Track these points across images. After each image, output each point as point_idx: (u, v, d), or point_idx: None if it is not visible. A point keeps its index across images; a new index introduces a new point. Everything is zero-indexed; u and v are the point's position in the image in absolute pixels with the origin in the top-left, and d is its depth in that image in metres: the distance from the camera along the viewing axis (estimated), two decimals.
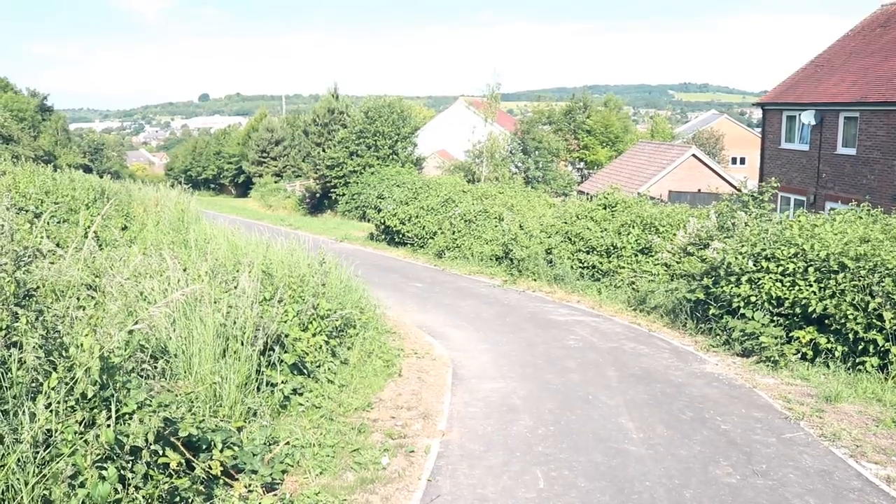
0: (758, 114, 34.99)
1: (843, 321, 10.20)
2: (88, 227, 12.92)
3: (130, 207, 16.49)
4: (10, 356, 4.98)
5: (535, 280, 18.09)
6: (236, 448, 6.12)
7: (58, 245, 9.97)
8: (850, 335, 10.13)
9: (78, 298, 7.00)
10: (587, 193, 34.56)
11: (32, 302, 5.51)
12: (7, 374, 4.91)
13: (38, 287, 6.04)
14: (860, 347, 10.15)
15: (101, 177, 19.37)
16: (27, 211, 13.17)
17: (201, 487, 5.48)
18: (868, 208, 12.91)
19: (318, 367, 9.04)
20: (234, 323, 7.76)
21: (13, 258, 5.46)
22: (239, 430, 6.81)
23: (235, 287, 8.60)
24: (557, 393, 9.62)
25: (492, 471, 7.12)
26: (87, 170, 39.37)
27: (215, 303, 8.00)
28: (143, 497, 4.95)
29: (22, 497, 4.45)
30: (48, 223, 12.64)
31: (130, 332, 5.63)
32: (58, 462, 4.60)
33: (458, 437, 8.02)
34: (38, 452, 4.60)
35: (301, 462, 6.83)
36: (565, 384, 10.02)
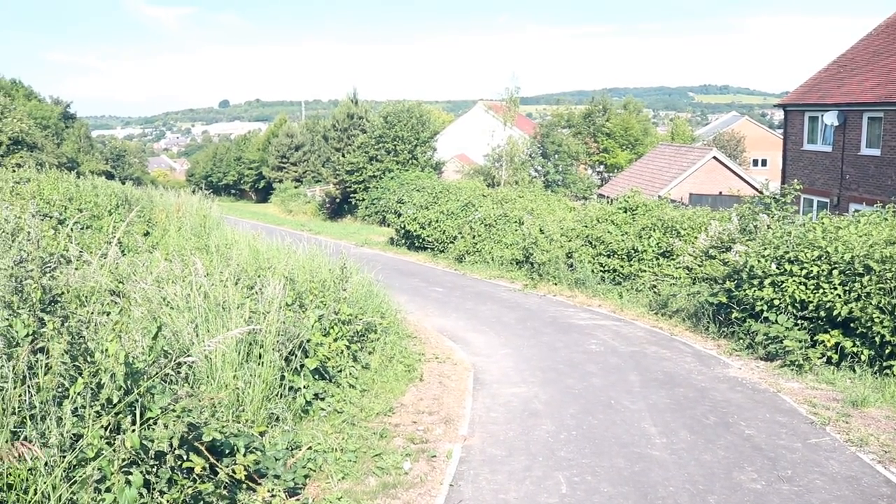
0: (779, 115, 34.74)
1: (868, 324, 10.08)
2: (111, 233, 13.03)
3: (152, 213, 16.61)
4: (37, 361, 5.03)
5: (555, 284, 18.05)
6: (259, 453, 6.14)
7: (80, 251, 10.06)
8: (877, 339, 10.01)
9: (102, 304, 7.06)
10: (607, 197, 34.44)
11: (58, 308, 5.56)
12: (34, 379, 4.95)
13: (62, 293, 6.09)
14: (887, 351, 10.03)
15: (123, 183, 19.56)
16: (51, 217, 13.29)
17: (225, 492, 5.50)
18: (893, 210, 12.75)
19: (340, 371, 9.07)
20: (259, 328, 7.79)
21: (39, 265, 5.51)
22: (261, 434, 6.84)
23: (257, 293, 8.64)
24: (579, 397, 9.58)
25: (514, 476, 7.09)
26: (110, 176, 39.76)
27: (238, 308, 8.04)
28: (168, 501, 4.98)
29: (50, 502, 4.49)
30: (72, 229, 12.76)
31: (155, 337, 5.66)
32: (85, 467, 4.64)
33: (480, 442, 8.01)
34: (65, 457, 4.63)
35: (323, 467, 6.84)
36: (587, 389, 9.98)
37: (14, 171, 18.67)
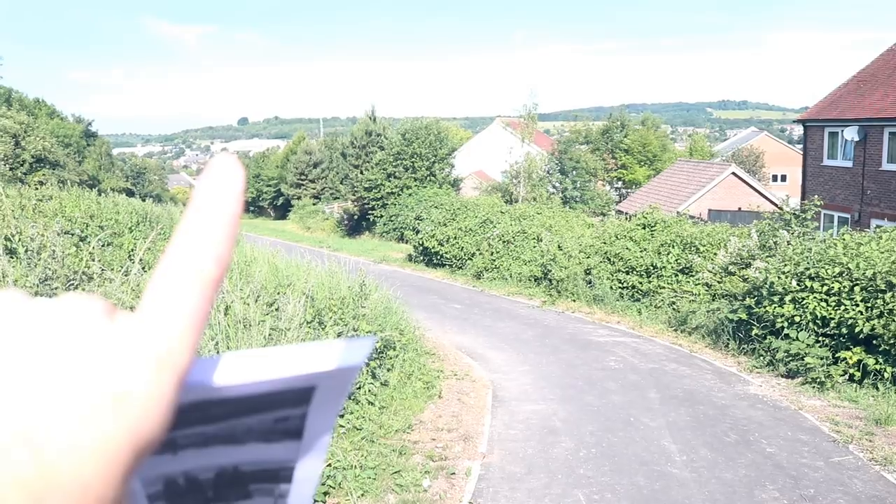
0: (799, 130, 34.55)
1: (892, 341, 9.99)
2: (132, 250, 13.15)
3: (172, 230, 16.73)
4: None
5: (574, 301, 18.00)
6: None
7: (102, 269, 10.16)
8: None
9: None
10: (626, 213, 34.34)
11: None
12: None
13: None
14: None
15: (144, 200, 19.69)
16: (73, 234, 13.42)
17: None
18: None
19: (359, 388, 9.08)
20: (277, 345, 7.83)
21: (64, 282, 5.58)
22: None
23: (277, 309, 8.68)
24: (598, 415, 9.54)
25: (533, 493, 7.07)
26: (130, 193, 40.06)
27: (258, 325, 8.08)
28: None
29: None
30: (94, 247, 12.89)
31: None
32: None
33: (499, 460, 7.99)
34: None
35: (342, 484, 6.85)
36: (606, 406, 9.93)
37: (37, 188, 18.89)
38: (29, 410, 0.32)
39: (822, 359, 10.57)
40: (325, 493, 6.58)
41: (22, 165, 39.61)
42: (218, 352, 7.54)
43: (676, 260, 16.87)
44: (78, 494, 0.31)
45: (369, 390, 9.21)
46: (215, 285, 0.39)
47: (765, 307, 11.82)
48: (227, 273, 0.40)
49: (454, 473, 7.54)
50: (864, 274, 10.57)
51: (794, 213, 15.39)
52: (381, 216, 44.30)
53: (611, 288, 17.61)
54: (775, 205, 32.09)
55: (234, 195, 0.41)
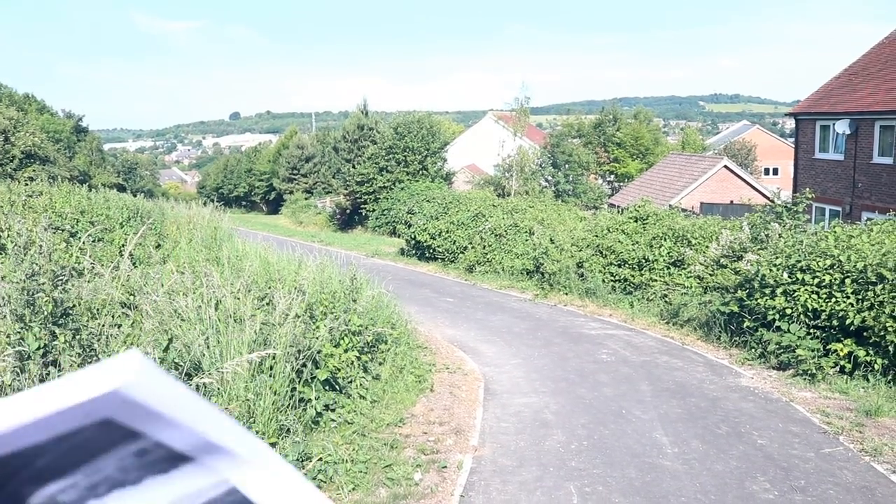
0: (791, 123, 34.60)
1: (882, 333, 10.01)
2: (123, 245, 13.09)
3: (163, 226, 16.68)
4: (48, 375, 5.05)
5: (566, 294, 18.00)
6: None
7: (93, 264, 10.11)
8: (890, 348, 9.94)
9: (113, 316, 7.09)
10: (618, 206, 34.38)
11: (69, 321, 5.59)
12: None
13: (74, 306, 6.12)
14: None
15: (135, 196, 19.64)
16: (63, 230, 13.36)
17: None
18: None
19: (350, 382, 9.07)
20: (266, 340, 7.81)
21: (51, 278, 5.55)
22: (272, 446, 6.83)
23: (268, 304, 8.66)
24: (590, 407, 9.55)
25: (525, 486, 7.07)
26: (121, 189, 39.86)
27: (249, 319, 8.06)
28: None
29: None
30: (84, 243, 12.83)
31: (166, 349, 5.69)
32: None
33: (491, 453, 7.99)
34: None
35: (334, 478, 6.84)
36: (598, 399, 9.94)
37: (27, 184, 18.81)
38: None
39: (813, 351, 10.59)
40: (317, 488, 6.57)
41: (11, 161, 39.41)
42: (208, 346, 7.52)
43: (668, 253, 16.89)
44: None
45: (361, 384, 9.20)
46: None
47: (756, 300, 11.84)
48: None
49: (446, 467, 7.54)
50: (855, 266, 10.60)
51: (786, 206, 15.42)
52: (374, 210, 44.25)
53: (603, 281, 17.62)
54: (767, 198, 32.15)
55: None
